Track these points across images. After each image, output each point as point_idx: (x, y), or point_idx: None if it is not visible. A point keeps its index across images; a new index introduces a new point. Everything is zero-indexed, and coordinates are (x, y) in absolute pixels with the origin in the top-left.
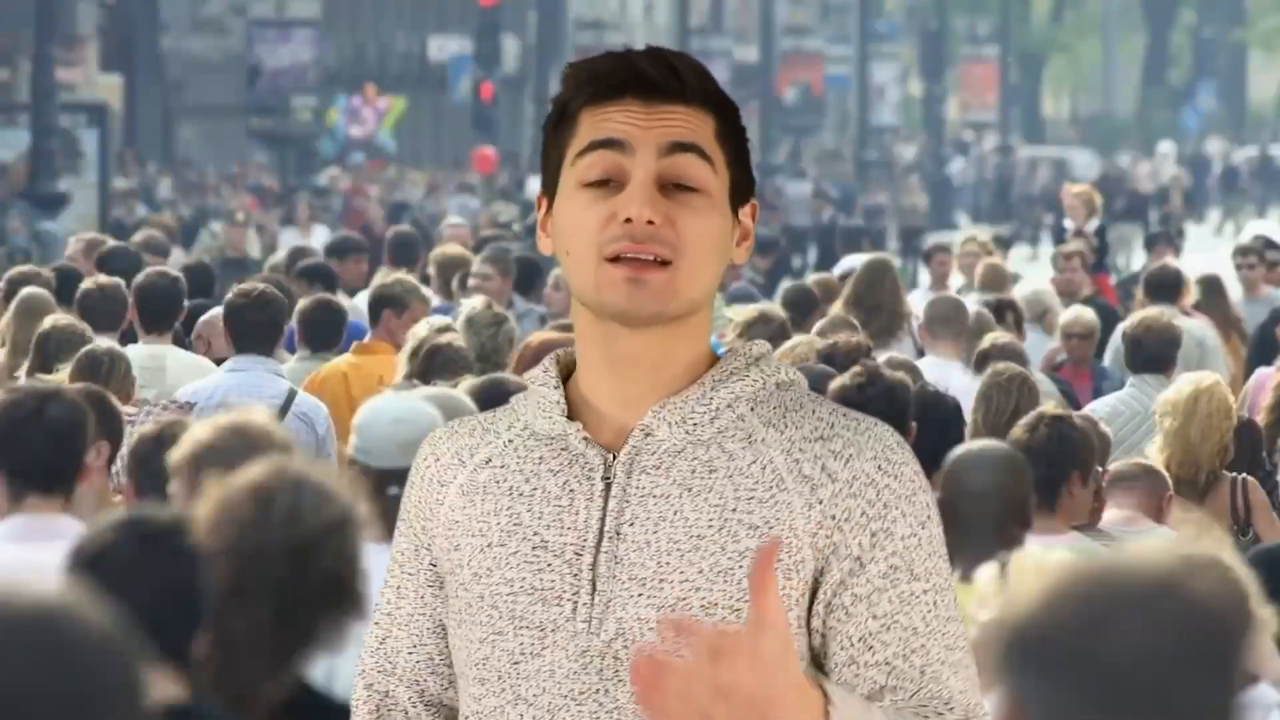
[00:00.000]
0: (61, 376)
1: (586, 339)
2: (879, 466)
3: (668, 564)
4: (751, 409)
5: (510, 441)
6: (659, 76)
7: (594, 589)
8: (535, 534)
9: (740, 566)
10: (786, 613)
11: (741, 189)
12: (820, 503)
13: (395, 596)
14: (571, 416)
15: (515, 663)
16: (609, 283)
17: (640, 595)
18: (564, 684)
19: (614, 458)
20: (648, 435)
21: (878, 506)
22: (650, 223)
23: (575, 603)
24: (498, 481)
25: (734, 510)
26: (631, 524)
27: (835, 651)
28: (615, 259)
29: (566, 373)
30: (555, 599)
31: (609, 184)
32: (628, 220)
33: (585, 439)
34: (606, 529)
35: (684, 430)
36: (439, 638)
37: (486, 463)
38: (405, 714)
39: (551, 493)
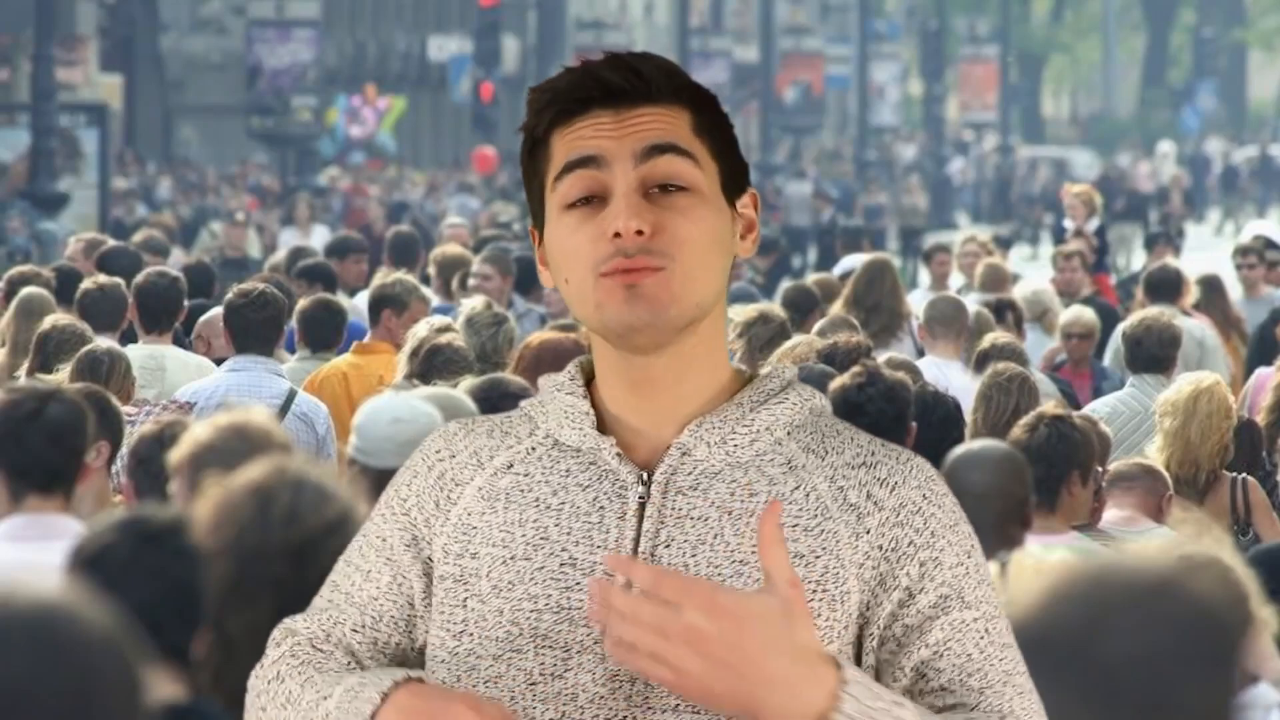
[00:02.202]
0: (61, 376)
1: (604, 361)
2: (924, 495)
3: None
4: (789, 434)
5: (533, 449)
6: (622, 81)
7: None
8: (563, 550)
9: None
10: (799, 581)
11: (734, 180)
12: (868, 532)
13: (361, 579)
14: (600, 429)
15: (532, 684)
16: (607, 296)
17: None
18: (587, 709)
19: (648, 476)
20: (685, 454)
21: (925, 535)
22: (639, 233)
23: (604, 624)
24: (521, 490)
25: None
26: (668, 546)
27: (888, 684)
28: (609, 274)
29: (587, 380)
30: (582, 620)
31: (593, 201)
32: (616, 235)
33: (619, 455)
34: (641, 550)
35: (724, 451)
36: (396, 630)
37: (508, 468)
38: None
39: (580, 508)
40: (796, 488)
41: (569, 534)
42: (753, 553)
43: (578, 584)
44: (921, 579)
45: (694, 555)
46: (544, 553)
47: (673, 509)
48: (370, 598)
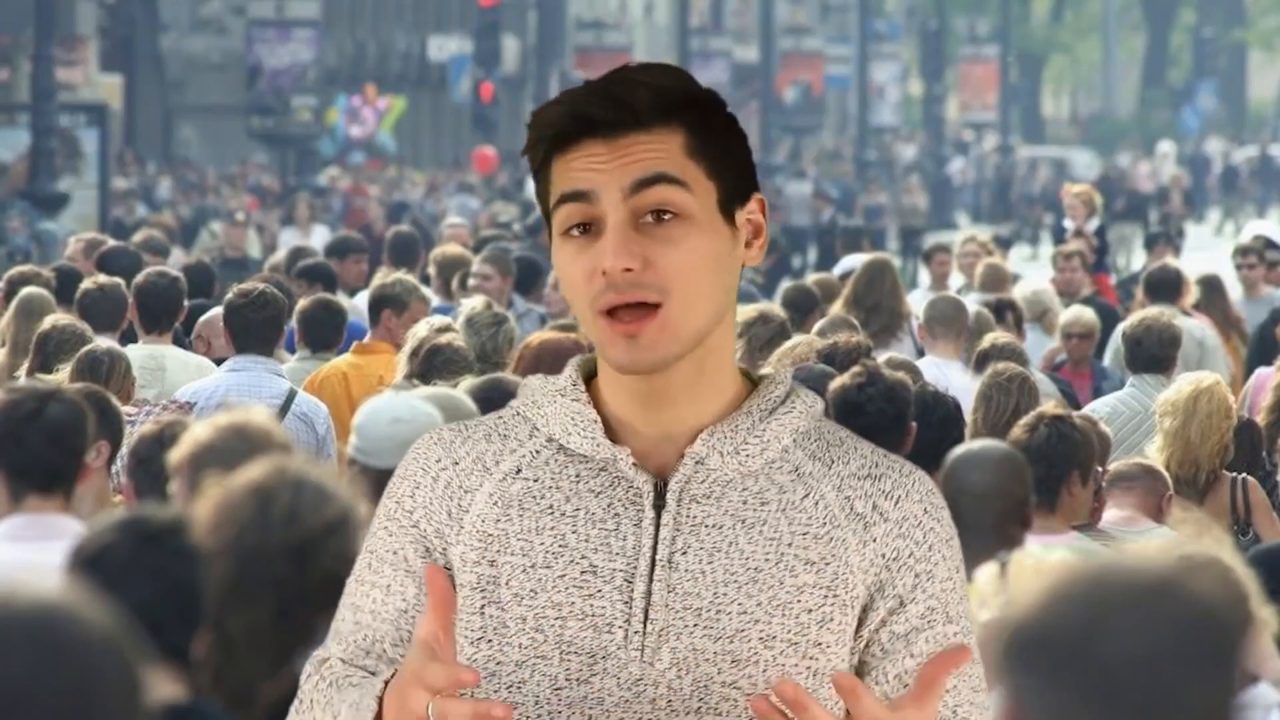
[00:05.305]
0: (61, 376)
1: (610, 372)
2: (925, 509)
3: (725, 595)
4: (795, 441)
5: (537, 453)
6: (606, 115)
7: (646, 617)
8: (583, 557)
9: (798, 601)
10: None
11: (736, 192)
12: (874, 540)
13: (383, 595)
14: (609, 436)
15: (558, 689)
16: (609, 340)
17: (696, 626)
18: (613, 712)
19: (663, 484)
20: (699, 463)
21: (924, 548)
22: (628, 269)
23: (626, 630)
24: (534, 497)
25: (790, 545)
26: (684, 553)
27: (869, 685)
28: (609, 311)
29: (586, 379)
30: (606, 626)
31: (590, 228)
32: (605, 273)
33: (635, 465)
34: (659, 557)
35: (737, 461)
36: None
37: (516, 473)
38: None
39: (595, 514)
40: (805, 496)
41: (587, 541)
42: (766, 560)
43: (599, 591)
44: (914, 590)
45: (710, 562)
46: (564, 560)
47: (688, 517)
48: (399, 610)
